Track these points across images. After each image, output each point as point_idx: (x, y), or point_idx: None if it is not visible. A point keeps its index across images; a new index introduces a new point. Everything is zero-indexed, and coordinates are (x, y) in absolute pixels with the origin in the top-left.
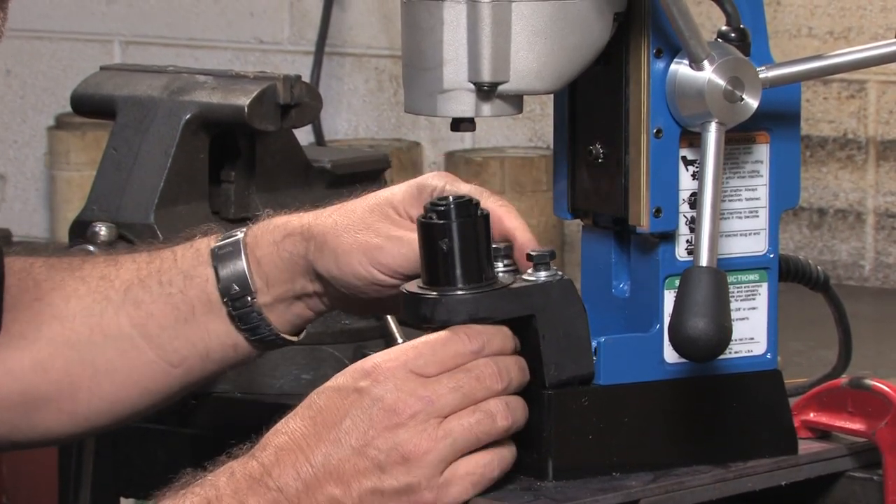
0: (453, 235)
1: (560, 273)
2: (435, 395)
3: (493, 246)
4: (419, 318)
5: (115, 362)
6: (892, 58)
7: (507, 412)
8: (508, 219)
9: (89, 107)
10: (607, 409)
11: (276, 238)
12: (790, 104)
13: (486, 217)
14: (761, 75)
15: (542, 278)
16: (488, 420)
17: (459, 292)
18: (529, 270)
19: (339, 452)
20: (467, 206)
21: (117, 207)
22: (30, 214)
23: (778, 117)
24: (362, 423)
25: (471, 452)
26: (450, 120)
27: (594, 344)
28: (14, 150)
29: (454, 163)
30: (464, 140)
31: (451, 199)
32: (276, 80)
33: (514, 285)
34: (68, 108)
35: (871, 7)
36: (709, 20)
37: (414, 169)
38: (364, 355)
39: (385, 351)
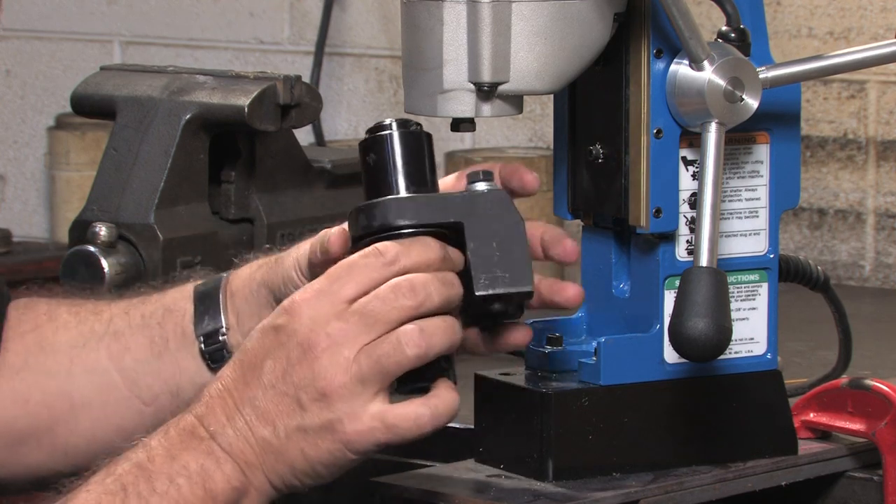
0: (387, 146)
1: (498, 187)
2: (347, 323)
3: (472, 170)
4: (351, 234)
5: (91, 397)
6: (892, 58)
7: (419, 338)
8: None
9: (89, 107)
10: (607, 410)
11: (252, 270)
12: (790, 104)
13: (426, 134)
14: (761, 75)
15: (475, 189)
16: (397, 351)
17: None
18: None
19: (263, 393)
20: (405, 123)
21: (117, 208)
22: (30, 215)
23: (778, 117)
24: (281, 361)
25: (408, 396)
26: (450, 120)
27: (594, 344)
28: (14, 151)
29: (454, 163)
30: (464, 140)
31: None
32: (276, 80)
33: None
34: (68, 109)
35: (871, 7)
36: (709, 20)
37: None
38: None
39: (308, 283)
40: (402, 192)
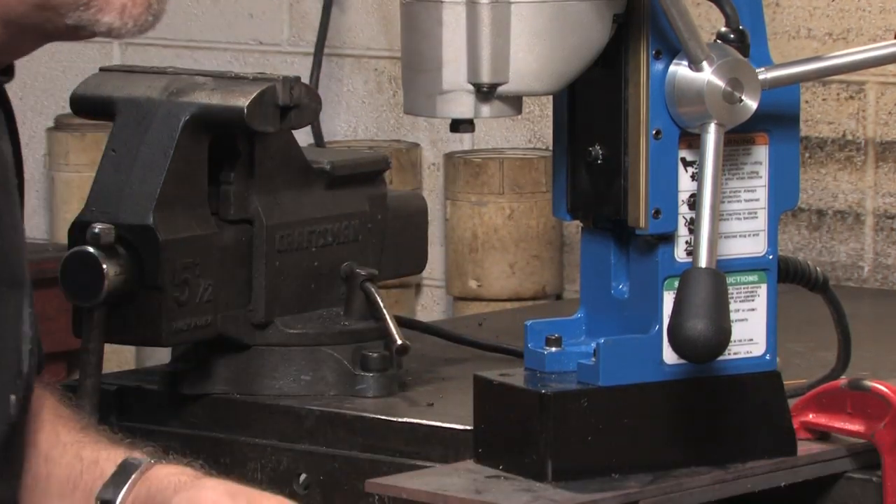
0: None
1: None
2: None
3: None
4: None
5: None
6: (891, 59)
7: None
8: None
9: (88, 108)
10: (606, 411)
11: (177, 479)
12: (789, 105)
13: None
14: (760, 76)
15: None
16: None
17: None
18: None
19: None
20: None
21: (116, 209)
22: (29, 216)
23: (777, 118)
24: None
25: None
26: (449, 121)
27: (593, 345)
28: None
29: (453, 164)
30: (463, 141)
31: None
32: (276, 81)
33: None
34: (67, 110)
35: (870, 8)
36: (708, 21)
37: (413, 170)
38: (364, 357)
39: None
40: None
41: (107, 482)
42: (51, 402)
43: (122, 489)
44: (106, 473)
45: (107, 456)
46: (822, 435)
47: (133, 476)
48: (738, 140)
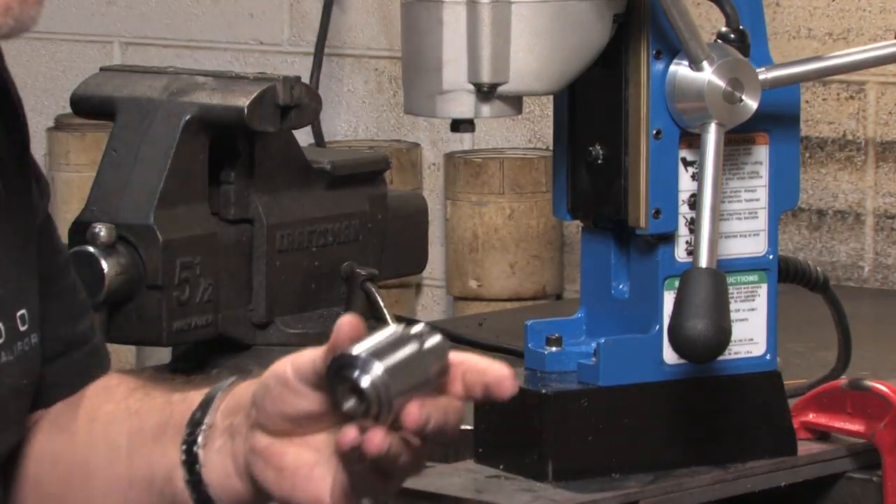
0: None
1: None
2: None
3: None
4: None
5: (100, 469)
6: (892, 59)
7: None
8: None
9: (89, 108)
10: (606, 411)
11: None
12: (789, 105)
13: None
14: (761, 76)
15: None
16: None
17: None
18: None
19: None
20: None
21: (117, 208)
22: None
23: (777, 118)
24: None
25: None
26: (449, 121)
27: (593, 345)
28: None
29: (453, 164)
30: (463, 141)
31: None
32: (276, 81)
33: None
34: (68, 110)
35: (871, 8)
36: (708, 21)
37: (413, 170)
38: None
39: None
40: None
41: (195, 409)
42: (138, 376)
43: (209, 409)
44: (195, 404)
45: (196, 392)
46: (822, 435)
47: (219, 395)
48: (738, 140)
